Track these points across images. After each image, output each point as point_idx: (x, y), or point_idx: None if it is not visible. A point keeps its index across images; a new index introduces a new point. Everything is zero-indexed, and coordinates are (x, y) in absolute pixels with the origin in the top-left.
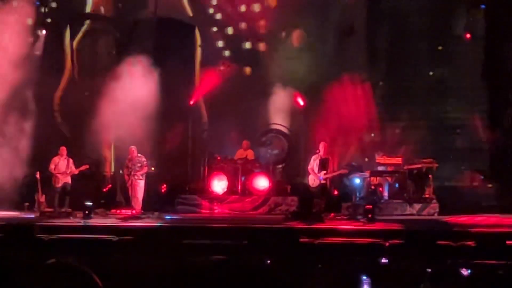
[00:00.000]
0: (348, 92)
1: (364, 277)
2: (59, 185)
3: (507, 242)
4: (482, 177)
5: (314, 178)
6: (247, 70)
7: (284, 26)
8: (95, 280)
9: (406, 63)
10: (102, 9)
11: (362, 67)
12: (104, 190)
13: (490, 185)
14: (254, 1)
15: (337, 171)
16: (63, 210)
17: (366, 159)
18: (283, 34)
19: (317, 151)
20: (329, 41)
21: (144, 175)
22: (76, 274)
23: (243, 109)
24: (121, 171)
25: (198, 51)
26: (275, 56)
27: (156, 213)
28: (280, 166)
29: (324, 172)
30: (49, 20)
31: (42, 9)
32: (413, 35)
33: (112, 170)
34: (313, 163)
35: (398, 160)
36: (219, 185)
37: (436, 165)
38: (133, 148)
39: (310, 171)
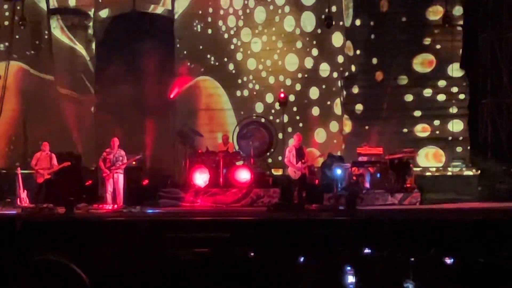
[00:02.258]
0: (326, 84)
1: (348, 268)
2: (41, 180)
3: (488, 230)
4: (463, 166)
5: (294, 169)
6: (228, 64)
7: (264, 18)
8: (81, 275)
9: (384, 53)
10: (81, 3)
11: (341, 58)
12: (86, 184)
13: (471, 173)
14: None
15: (316, 157)
16: (44, 205)
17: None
18: (263, 26)
19: (293, 143)
20: (309, 33)
21: (123, 169)
22: (62, 271)
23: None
24: (94, 165)
25: (177, 44)
26: (255, 48)
27: (138, 207)
28: (261, 158)
29: (302, 161)
30: (26, 15)
31: (19, 5)
32: (392, 26)
33: (94, 164)
34: (289, 155)
35: (379, 150)
36: (200, 178)
37: (417, 154)
38: (116, 140)
39: (288, 163)
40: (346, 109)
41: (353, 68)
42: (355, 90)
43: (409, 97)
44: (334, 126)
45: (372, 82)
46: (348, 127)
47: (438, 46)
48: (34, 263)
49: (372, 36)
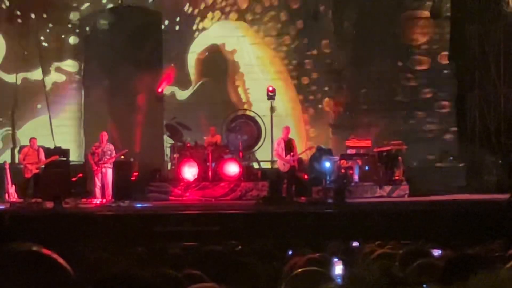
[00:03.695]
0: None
1: (336, 260)
2: (29, 175)
3: (477, 221)
4: (451, 158)
5: (283, 162)
6: (215, 56)
7: (251, 11)
8: (67, 268)
9: (372, 46)
10: None
11: (329, 51)
12: (74, 179)
13: (460, 165)
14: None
15: (305, 149)
16: (33, 200)
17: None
18: (250, 19)
19: (282, 135)
20: (296, 26)
21: (112, 163)
22: (46, 263)
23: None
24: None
25: (165, 38)
26: (243, 42)
27: (126, 202)
28: (250, 151)
29: (291, 153)
30: (18, 13)
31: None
32: (379, 18)
33: (82, 159)
34: (278, 147)
35: (367, 143)
36: (189, 171)
37: (405, 147)
38: (105, 134)
39: (277, 156)
40: (334, 101)
41: (341, 59)
42: (343, 82)
43: (397, 90)
44: (323, 117)
45: (359, 74)
46: (335, 118)
47: (426, 38)
48: (16, 254)
49: (357, 28)
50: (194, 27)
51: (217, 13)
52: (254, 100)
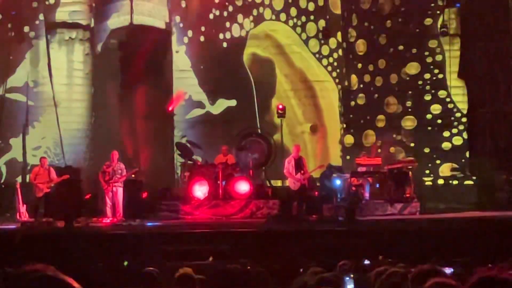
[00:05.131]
0: (326, 95)
1: (347, 279)
2: (40, 194)
3: (488, 238)
4: (461, 175)
5: (293, 180)
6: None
7: (262, 29)
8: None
9: (382, 63)
10: (79, 17)
11: (339, 69)
12: (85, 198)
13: (471, 182)
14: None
15: (315, 168)
16: (44, 219)
17: (347, 158)
18: (262, 37)
19: (292, 154)
20: (307, 44)
21: (122, 182)
22: (59, 285)
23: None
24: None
25: (175, 56)
26: (253, 60)
27: (137, 220)
28: (260, 169)
29: (302, 171)
30: (26, 30)
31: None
32: (389, 36)
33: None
34: (288, 165)
35: (378, 161)
36: (200, 190)
37: (416, 164)
38: (115, 153)
39: (287, 174)
40: (345, 119)
41: (353, 78)
42: (353, 100)
43: (407, 107)
44: (335, 135)
45: (369, 92)
46: (346, 137)
47: (436, 56)
48: (33, 278)
49: (368, 46)
50: (221, 37)
51: (246, 21)
52: (265, 118)
